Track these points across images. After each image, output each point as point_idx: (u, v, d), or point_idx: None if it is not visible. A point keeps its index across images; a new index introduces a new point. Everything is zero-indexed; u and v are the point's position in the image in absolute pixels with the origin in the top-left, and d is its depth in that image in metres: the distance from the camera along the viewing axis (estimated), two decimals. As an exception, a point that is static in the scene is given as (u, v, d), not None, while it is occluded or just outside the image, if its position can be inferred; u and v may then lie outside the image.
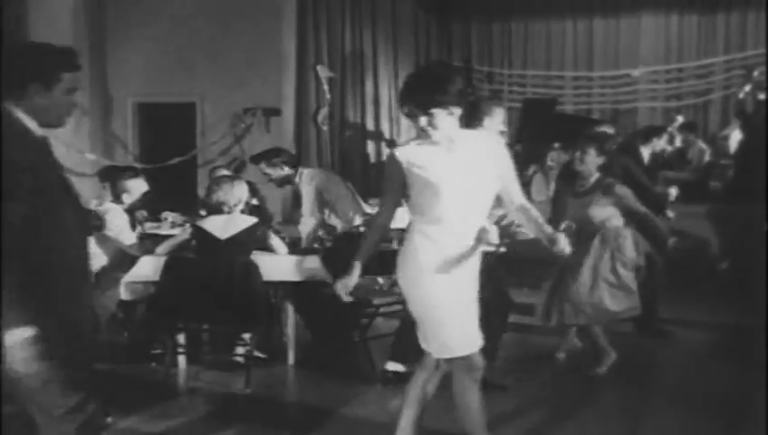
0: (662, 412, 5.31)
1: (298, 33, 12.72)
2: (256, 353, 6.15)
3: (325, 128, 13.03)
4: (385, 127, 14.06)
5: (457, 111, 3.77)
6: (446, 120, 3.75)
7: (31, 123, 3.36)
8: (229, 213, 5.93)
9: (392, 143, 13.61)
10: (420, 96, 3.74)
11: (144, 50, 13.07)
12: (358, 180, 12.14)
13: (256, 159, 7.68)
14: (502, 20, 15.00)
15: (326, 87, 12.99)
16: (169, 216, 8.08)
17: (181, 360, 6.19)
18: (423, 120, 3.75)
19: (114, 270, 6.19)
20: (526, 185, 12.39)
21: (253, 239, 5.95)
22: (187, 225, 6.39)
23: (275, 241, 6.13)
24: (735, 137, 11.99)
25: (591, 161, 6.15)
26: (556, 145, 13.06)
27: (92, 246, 6.12)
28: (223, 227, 5.87)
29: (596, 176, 6.16)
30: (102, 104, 13.54)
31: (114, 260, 6.24)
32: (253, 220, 6.00)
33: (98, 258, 6.10)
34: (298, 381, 6.13)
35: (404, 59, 14.31)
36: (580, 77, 15.09)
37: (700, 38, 14.24)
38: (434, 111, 3.71)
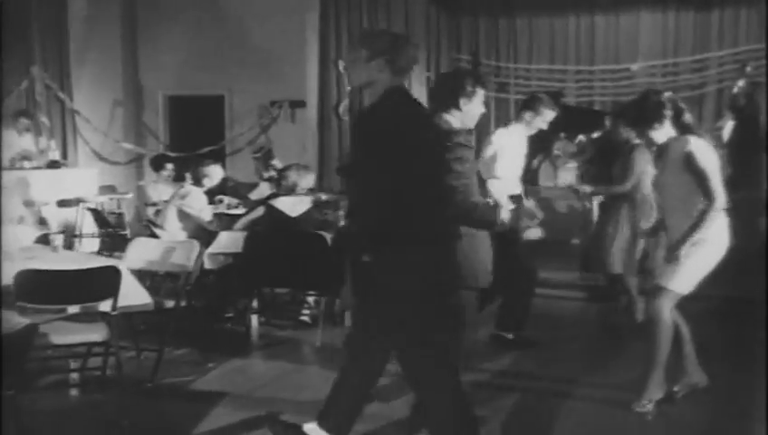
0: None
1: (321, 30, 13.60)
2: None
3: (346, 118, 13.88)
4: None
5: None
6: None
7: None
8: (299, 195, 6.86)
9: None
10: None
11: (174, 45, 13.88)
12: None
13: None
14: (508, 16, 15.67)
15: (347, 80, 13.82)
16: (224, 199, 8.98)
17: (254, 320, 7.08)
18: None
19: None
20: (534, 172, 13.30)
21: (317, 216, 6.87)
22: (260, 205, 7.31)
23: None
24: (728, 128, 12.80)
25: None
26: (562, 135, 13.89)
27: (174, 222, 7.09)
28: (292, 206, 6.80)
29: None
30: (135, 97, 14.36)
31: (194, 235, 7.16)
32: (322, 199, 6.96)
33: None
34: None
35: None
36: (582, 71, 15.77)
37: (696, 34, 14.90)
38: None
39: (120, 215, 11.23)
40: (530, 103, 6.77)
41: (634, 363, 5.77)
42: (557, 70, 15.82)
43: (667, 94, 5.22)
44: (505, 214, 4.68)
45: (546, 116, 6.66)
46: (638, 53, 15.18)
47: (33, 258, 5.34)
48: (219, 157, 12.72)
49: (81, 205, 10.88)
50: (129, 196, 11.95)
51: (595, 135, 11.52)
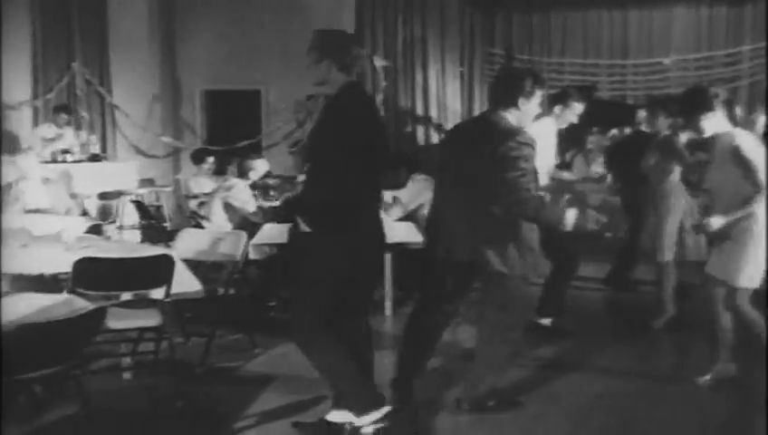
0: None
1: (356, 25, 13.78)
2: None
3: (381, 113, 14.05)
4: (433, 113, 15.04)
5: None
6: None
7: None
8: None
9: (439, 127, 14.69)
10: None
11: (211, 41, 14.12)
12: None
13: None
14: (541, 11, 15.77)
15: (381, 75, 14.02)
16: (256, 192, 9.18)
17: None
18: None
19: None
20: (567, 166, 13.39)
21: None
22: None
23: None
24: (762, 121, 12.84)
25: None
26: (595, 129, 13.99)
27: (220, 213, 7.31)
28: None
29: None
30: (172, 92, 14.60)
31: (238, 226, 7.37)
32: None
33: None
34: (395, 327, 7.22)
35: (450, 49, 15.26)
36: (615, 65, 15.84)
37: (728, 27, 14.96)
38: None
39: (160, 207, 11.46)
40: (559, 97, 6.94)
41: (664, 353, 5.95)
42: (590, 64, 15.87)
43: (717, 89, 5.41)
44: (570, 214, 4.82)
45: (575, 109, 6.82)
46: (671, 47, 15.20)
47: (89, 247, 5.54)
48: (256, 151, 12.93)
49: (122, 197, 11.13)
50: (169, 189, 12.18)
51: (628, 129, 11.66)
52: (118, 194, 11.25)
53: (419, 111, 14.90)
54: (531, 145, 4.71)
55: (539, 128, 6.50)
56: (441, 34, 15.06)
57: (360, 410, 4.48)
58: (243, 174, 7.79)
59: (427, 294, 5.32)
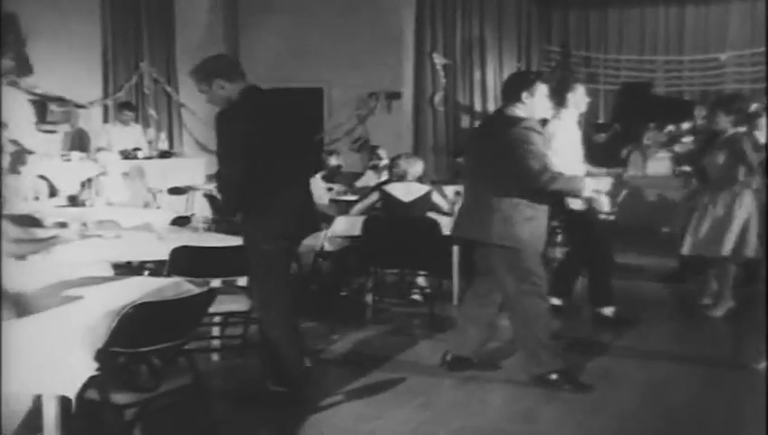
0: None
1: (417, 23, 14.08)
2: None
3: (441, 109, 14.36)
4: (491, 108, 15.29)
5: None
6: None
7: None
8: (410, 181, 7.37)
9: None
10: None
11: (274, 39, 14.48)
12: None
13: None
14: (598, 7, 15.95)
15: (441, 72, 14.31)
16: (333, 186, 9.53)
17: (369, 297, 7.63)
18: None
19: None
20: (623, 162, 13.57)
21: (428, 202, 7.37)
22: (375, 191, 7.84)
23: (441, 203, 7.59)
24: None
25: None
26: (651, 125, 14.15)
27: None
28: (405, 192, 7.31)
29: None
30: (236, 89, 14.94)
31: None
32: (427, 188, 7.44)
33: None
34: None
35: (508, 46, 15.53)
36: (671, 61, 15.97)
37: (785, 23, 15.06)
38: None
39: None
40: (563, 87, 7.27)
41: (722, 340, 6.26)
42: (646, 60, 16.01)
43: None
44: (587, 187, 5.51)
45: (580, 90, 7.11)
46: (727, 43, 15.28)
47: (181, 237, 5.90)
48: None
49: (191, 192, 11.53)
50: (237, 184, 12.53)
51: (685, 125, 11.79)
52: (187, 189, 11.64)
53: (477, 107, 15.16)
54: (536, 130, 5.37)
55: (561, 120, 6.87)
56: (499, 31, 15.32)
57: None
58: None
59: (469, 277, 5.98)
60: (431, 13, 14.31)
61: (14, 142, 10.03)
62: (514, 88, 5.53)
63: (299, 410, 5.03)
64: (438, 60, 14.30)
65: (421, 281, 7.90)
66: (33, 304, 3.67)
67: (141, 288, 3.97)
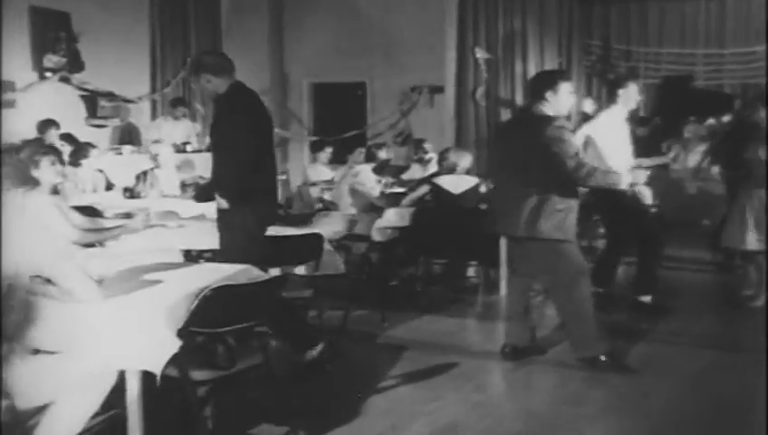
0: None
1: (459, 17, 14.23)
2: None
3: (483, 103, 14.51)
4: (532, 102, 15.42)
5: None
6: None
7: None
8: (459, 174, 7.58)
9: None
10: None
11: (318, 35, 14.68)
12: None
13: None
14: (639, 1, 15.97)
15: (483, 67, 14.46)
16: (381, 179, 9.73)
17: (417, 285, 7.91)
18: None
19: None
20: (664, 155, 13.65)
21: (477, 194, 7.56)
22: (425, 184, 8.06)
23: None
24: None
25: None
26: (692, 118, 14.20)
27: (346, 198, 7.89)
28: (455, 184, 7.51)
29: None
30: (281, 85, 15.24)
31: (363, 211, 7.94)
32: (476, 180, 7.63)
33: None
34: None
35: (548, 40, 15.62)
36: (712, 54, 15.96)
37: (827, 16, 15.02)
38: None
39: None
40: (616, 83, 7.43)
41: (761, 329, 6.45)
42: (687, 54, 16.00)
43: None
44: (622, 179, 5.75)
45: (633, 88, 7.23)
46: (768, 36, 15.23)
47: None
48: (361, 141, 13.46)
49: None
50: (283, 177, 12.81)
51: (726, 119, 11.86)
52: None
53: (519, 101, 15.28)
54: (567, 128, 5.65)
55: (609, 116, 7.03)
56: (540, 26, 15.41)
57: None
58: (368, 161, 8.42)
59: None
60: (473, 7, 14.45)
61: (69, 137, 10.35)
62: (539, 87, 5.78)
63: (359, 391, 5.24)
64: (480, 54, 14.43)
65: (469, 270, 8.10)
66: (116, 286, 3.91)
67: (215, 273, 4.21)
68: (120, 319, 3.66)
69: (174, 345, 3.57)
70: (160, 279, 4.10)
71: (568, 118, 6.20)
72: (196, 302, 3.72)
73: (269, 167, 5.50)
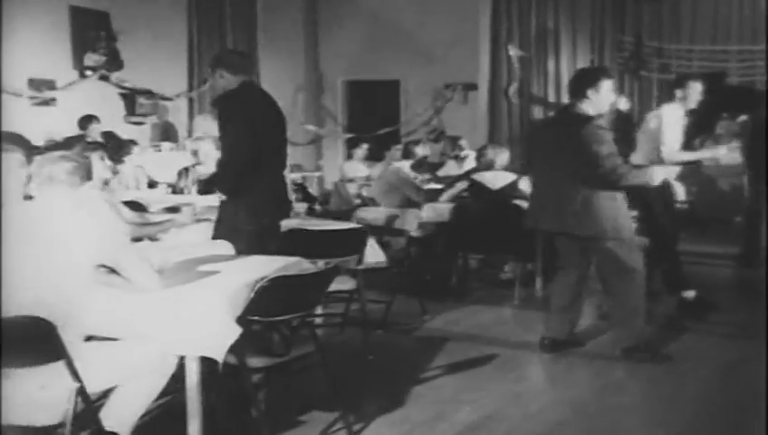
0: None
1: (492, 15, 14.35)
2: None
3: (515, 101, 14.62)
4: (564, 100, 15.49)
5: None
6: None
7: None
8: (497, 170, 7.71)
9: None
10: None
11: (352, 34, 14.87)
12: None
13: None
14: (672, -3, 15.99)
15: (516, 64, 14.57)
16: (417, 175, 9.88)
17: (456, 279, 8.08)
18: None
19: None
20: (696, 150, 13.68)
21: (515, 189, 7.70)
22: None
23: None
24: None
25: None
26: (724, 115, 14.23)
27: (382, 194, 8.05)
28: (493, 180, 7.65)
29: None
30: (315, 82, 15.44)
31: (401, 206, 8.11)
32: (514, 176, 7.77)
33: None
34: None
35: (581, 37, 15.70)
36: (744, 51, 15.95)
37: None
38: None
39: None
40: (678, 82, 7.49)
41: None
42: (719, 50, 16.00)
43: None
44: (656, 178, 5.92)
45: (695, 88, 7.25)
46: (803, 32, 15.20)
47: (289, 222, 6.30)
48: (395, 138, 13.63)
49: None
50: (318, 174, 13.00)
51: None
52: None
53: (551, 98, 15.38)
54: (605, 127, 5.77)
55: (665, 113, 7.11)
56: (573, 23, 15.49)
57: None
58: (406, 158, 8.59)
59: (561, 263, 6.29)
60: (507, 5, 14.56)
61: (110, 134, 10.57)
62: (580, 84, 5.86)
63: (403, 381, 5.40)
64: (514, 52, 14.54)
65: (506, 265, 8.24)
66: (174, 277, 4.07)
67: (269, 265, 4.36)
68: (182, 307, 3.81)
69: (235, 333, 3.72)
70: (216, 270, 4.26)
71: (601, 117, 6.21)
72: (253, 292, 3.88)
73: (273, 165, 5.64)
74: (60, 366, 3.31)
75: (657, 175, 5.95)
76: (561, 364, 5.95)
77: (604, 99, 5.80)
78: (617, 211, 5.73)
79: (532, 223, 6.24)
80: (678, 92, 7.28)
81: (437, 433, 4.61)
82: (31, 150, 4.81)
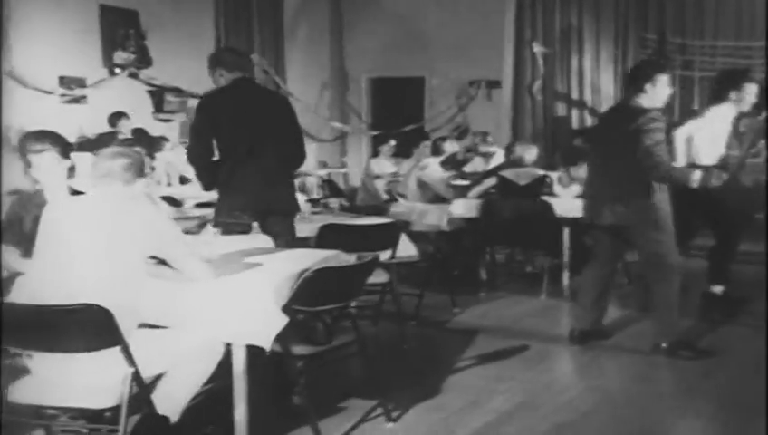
0: None
1: (517, 12, 14.44)
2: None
3: (539, 98, 14.71)
4: (587, 97, 15.60)
5: None
6: None
7: None
8: (525, 166, 7.86)
9: (594, 111, 15.22)
10: None
11: (376, 31, 15.00)
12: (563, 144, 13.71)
13: None
14: (695, -7, 16.01)
15: (540, 61, 14.66)
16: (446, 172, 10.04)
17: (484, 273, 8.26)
18: None
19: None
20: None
21: (543, 185, 7.84)
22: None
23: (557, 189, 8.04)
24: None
25: None
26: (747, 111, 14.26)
27: (414, 190, 8.20)
28: (521, 176, 7.79)
29: None
30: (340, 79, 15.59)
31: (431, 202, 8.26)
32: (542, 172, 7.91)
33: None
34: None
35: (605, 34, 15.77)
36: (768, 47, 15.97)
37: None
38: None
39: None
40: (733, 82, 7.42)
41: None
42: (743, 46, 16.02)
43: None
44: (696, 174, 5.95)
45: (750, 90, 7.16)
46: (827, 28, 15.21)
47: (325, 217, 6.48)
48: (420, 135, 13.72)
49: (302, 177, 12.15)
50: (344, 170, 13.16)
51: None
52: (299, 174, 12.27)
53: (574, 95, 15.46)
54: (659, 120, 5.78)
55: (716, 113, 7.14)
56: (596, 19, 15.55)
57: None
58: (436, 154, 8.76)
59: (592, 257, 6.41)
60: (531, 2, 14.65)
61: (140, 130, 10.75)
62: (638, 78, 5.94)
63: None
64: (538, 49, 14.62)
65: (534, 259, 8.41)
66: (220, 268, 4.23)
67: (311, 257, 4.52)
68: (230, 297, 3.97)
69: (282, 321, 3.88)
70: (260, 262, 4.41)
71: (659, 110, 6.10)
72: (298, 282, 4.04)
73: (245, 159, 5.70)
74: (115, 352, 3.47)
75: (696, 176, 5.96)
76: (589, 356, 6.10)
77: (660, 92, 5.89)
78: (665, 206, 5.85)
79: (590, 217, 6.27)
80: (733, 94, 7.12)
81: (472, 420, 4.75)
82: (67, 148, 4.96)
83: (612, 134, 6.03)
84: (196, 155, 5.73)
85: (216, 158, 5.79)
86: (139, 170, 3.96)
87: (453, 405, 4.97)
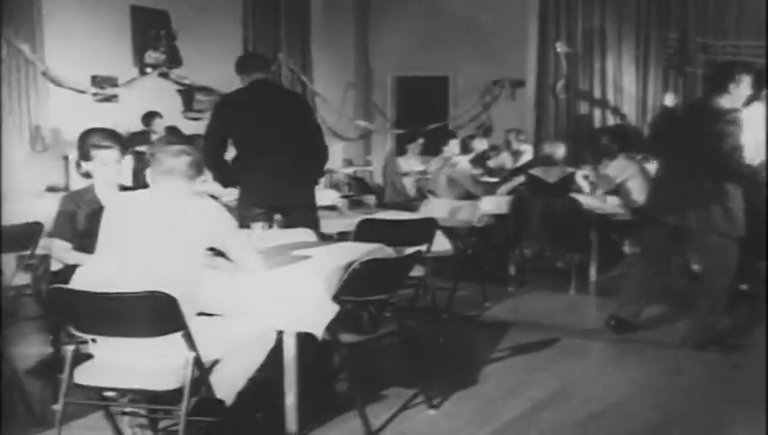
0: None
1: (540, 11, 14.59)
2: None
3: (562, 97, 14.84)
4: (609, 96, 15.72)
5: None
6: None
7: None
8: (554, 164, 8.04)
9: (616, 110, 15.34)
10: None
11: (401, 30, 15.14)
12: (586, 143, 13.83)
13: None
14: (718, -9, 16.07)
15: (564, 61, 14.79)
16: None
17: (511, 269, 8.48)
18: None
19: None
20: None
21: (571, 183, 8.01)
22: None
23: (583, 184, 8.21)
24: None
25: None
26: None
27: (444, 187, 8.39)
28: (550, 173, 7.97)
29: None
30: (365, 78, 15.76)
31: (461, 198, 8.45)
32: (570, 170, 8.08)
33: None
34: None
35: (627, 34, 15.86)
36: (791, 46, 16.02)
37: None
38: None
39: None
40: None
41: None
42: (765, 46, 16.06)
43: None
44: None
45: None
46: None
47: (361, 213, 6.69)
48: (448, 134, 13.85)
49: (329, 175, 12.34)
50: (371, 168, 13.34)
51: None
52: (326, 172, 12.45)
53: (597, 94, 15.57)
54: (737, 122, 5.80)
55: (752, 112, 7.26)
56: (619, 19, 15.65)
57: None
58: (465, 152, 8.96)
59: (648, 251, 6.53)
60: (555, 2, 14.78)
61: (173, 129, 10.96)
62: (723, 78, 5.95)
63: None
64: (561, 48, 14.74)
65: (564, 255, 8.59)
66: (271, 260, 4.43)
67: (356, 250, 4.72)
68: (283, 287, 4.17)
69: (333, 310, 4.08)
70: (308, 255, 4.61)
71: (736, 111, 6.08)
72: (347, 273, 4.23)
73: (259, 157, 6.02)
74: (176, 337, 3.67)
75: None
76: (620, 348, 6.29)
77: (743, 93, 5.90)
78: (737, 207, 5.92)
79: (657, 214, 6.33)
80: (731, 87, 7.33)
81: (509, 408, 4.94)
82: (125, 146, 5.16)
83: (691, 133, 6.05)
84: (207, 153, 5.84)
85: (232, 156, 6.18)
86: (199, 168, 4.16)
87: (490, 394, 5.16)
